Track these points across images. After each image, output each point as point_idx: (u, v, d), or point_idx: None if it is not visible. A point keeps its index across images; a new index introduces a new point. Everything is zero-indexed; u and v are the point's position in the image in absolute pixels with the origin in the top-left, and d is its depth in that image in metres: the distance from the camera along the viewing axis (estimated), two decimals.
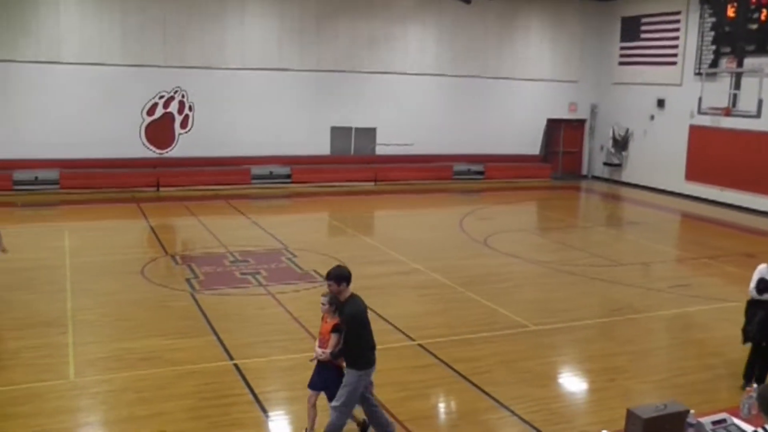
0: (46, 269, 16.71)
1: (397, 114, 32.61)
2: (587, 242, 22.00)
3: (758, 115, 26.87)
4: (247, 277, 16.61)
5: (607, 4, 34.78)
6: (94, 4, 28.60)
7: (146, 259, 18.21)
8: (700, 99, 29.34)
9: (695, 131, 30.41)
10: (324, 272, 16.21)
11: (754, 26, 27.39)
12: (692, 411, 7.08)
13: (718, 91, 28.75)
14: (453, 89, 33.52)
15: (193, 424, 9.49)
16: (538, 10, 34.66)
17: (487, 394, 10.64)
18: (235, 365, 11.42)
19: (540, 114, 35.39)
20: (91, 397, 10.48)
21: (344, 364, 8.66)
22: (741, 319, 11.20)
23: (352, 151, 32.72)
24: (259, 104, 30.68)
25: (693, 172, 30.47)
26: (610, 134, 34.65)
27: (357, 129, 32.56)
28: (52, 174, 28.05)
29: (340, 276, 8.56)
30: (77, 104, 28.58)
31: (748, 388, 7.91)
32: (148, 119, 29.93)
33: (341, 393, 8.52)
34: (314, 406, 9.06)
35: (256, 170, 30.55)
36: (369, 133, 32.83)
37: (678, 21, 31.02)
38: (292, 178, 30.87)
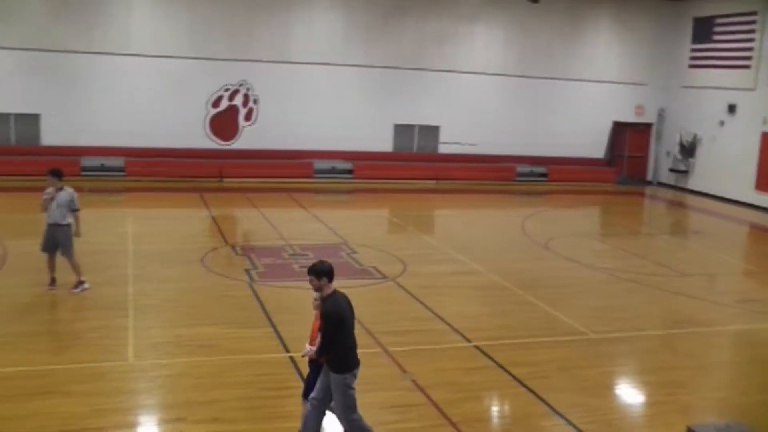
0: (109, 254, 16.95)
1: (460, 113, 32.49)
2: (650, 250, 21.56)
3: None
4: (305, 270, 16.61)
5: (679, 4, 34.09)
6: None
7: (207, 249, 18.39)
8: None
9: None
10: (383, 269, 16.49)
11: None
12: None
13: None
14: (518, 89, 33.28)
15: (247, 413, 9.54)
16: (607, 9, 34.15)
17: (542, 400, 10.45)
18: (291, 358, 11.44)
19: (606, 116, 34.91)
20: (149, 380, 10.62)
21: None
22: None
23: (415, 149, 32.68)
24: (323, 99, 30.78)
25: (764, 182, 29.59)
26: (677, 139, 33.99)
27: (420, 127, 32.51)
28: (118, 162, 28.53)
29: (320, 271, 8.42)
30: (144, 95, 29.07)
31: None
32: (213, 111, 30.26)
33: (336, 403, 8.43)
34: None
35: (318, 164, 30.67)
36: (432, 132, 32.76)
37: (753, 22, 30.06)
38: (354, 173, 30.93)
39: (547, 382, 11.11)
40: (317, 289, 8.49)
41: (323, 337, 8.25)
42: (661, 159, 35.61)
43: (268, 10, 30.04)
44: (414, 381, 10.74)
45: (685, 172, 33.86)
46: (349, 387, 8.40)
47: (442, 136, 32.79)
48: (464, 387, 10.80)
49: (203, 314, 13.53)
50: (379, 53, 31.31)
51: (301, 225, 21.87)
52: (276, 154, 30.63)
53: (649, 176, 36.00)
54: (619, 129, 35.25)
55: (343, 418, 8.51)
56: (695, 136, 33.13)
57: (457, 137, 32.64)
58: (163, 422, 9.42)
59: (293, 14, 30.40)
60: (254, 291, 14.92)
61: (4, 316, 13.10)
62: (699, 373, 12.22)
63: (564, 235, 22.34)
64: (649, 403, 11.04)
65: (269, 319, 13.26)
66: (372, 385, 10.46)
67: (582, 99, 34.33)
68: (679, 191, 33.61)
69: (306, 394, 8.87)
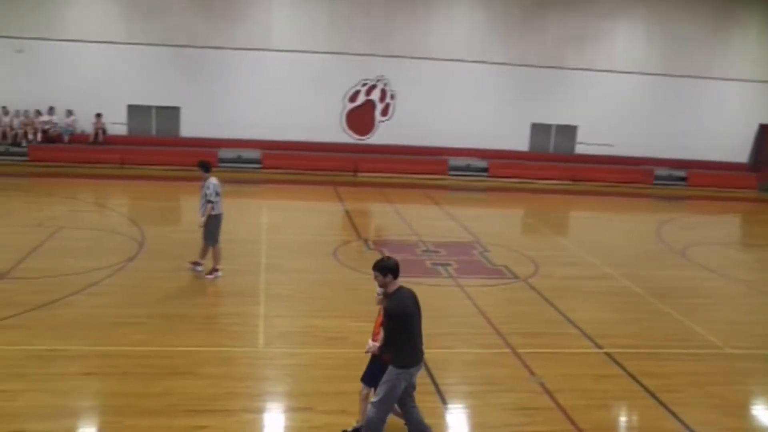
0: (244, 243, 17.40)
1: (599, 113, 31.95)
2: None
3: None
4: (438, 267, 16.72)
5: None
6: None
7: (339, 242, 18.69)
8: None
9: None
10: (515, 269, 16.41)
11: None
12: None
13: None
14: (659, 88, 32.49)
15: None
16: (758, 4, 32.71)
17: (673, 414, 10.12)
18: None
19: (751, 118, 33.59)
20: (278, 368, 10.87)
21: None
22: None
23: (551, 149, 32.31)
24: (460, 96, 30.79)
25: None
26: None
27: (557, 126, 32.13)
28: (255, 154, 29.26)
29: (384, 267, 8.32)
30: (282, 89, 29.79)
31: None
32: (350, 106, 30.68)
33: (380, 389, 8.32)
34: (365, 399, 8.90)
35: (453, 162, 30.70)
36: (569, 131, 32.35)
37: None
38: (489, 172, 30.83)
39: (679, 397, 10.74)
40: (382, 285, 8.39)
41: (385, 334, 8.20)
42: None
43: (408, 5, 30.23)
44: (542, 384, 10.63)
45: None
46: (398, 385, 8.26)
47: (580, 137, 32.33)
48: (593, 394, 10.63)
49: (333, 306, 13.76)
50: (517, 51, 31.09)
51: (434, 222, 21.94)
52: (411, 150, 30.81)
53: None
54: (766, 132, 33.82)
55: (374, 408, 8.33)
56: None
57: (595, 138, 32.12)
58: (290, 410, 9.61)
59: (433, 10, 30.49)
60: None
61: (142, 298, 13.67)
62: None
63: (702, 243, 21.67)
64: None
65: None
66: (500, 385, 10.48)
67: (726, 99, 33.13)
68: None
69: (365, 378, 8.88)
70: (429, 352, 11.46)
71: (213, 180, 15.13)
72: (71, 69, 29.52)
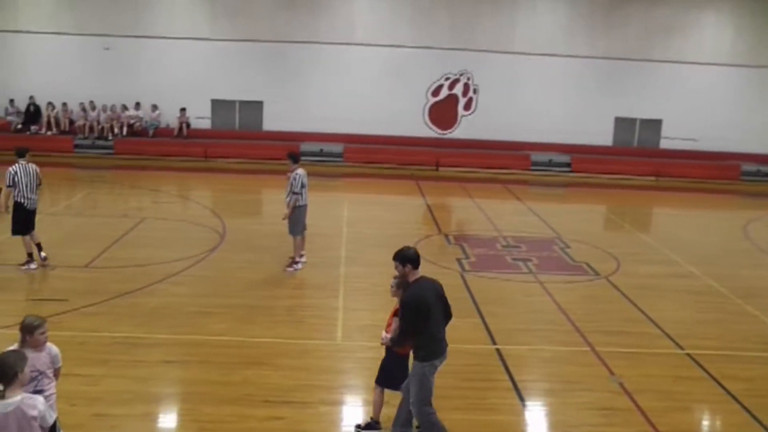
0: (325, 236, 17.47)
1: (684, 106, 31.15)
2: None
3: None
4: (518, 263, 16.56)
5: None
6: None
7: (420, 236, 18.64)
8: None
9: None
10: (596, 266, 16.16)
11: None
12: None
13: None
14: (746, 81, 31.56)
15: (450, 402, 9.54)
16: None
17: (758, 421, 9.71)
18: (498, 350, 11.40)
19: None
20: (356, 362, 10.88)
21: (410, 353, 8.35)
22: None
23: (635, 143, 31.73)
24: (543, 90, 30.48)
25: None
26: None
27: (642, 120, 31.52)
28: (337, 148, 29.38)
29: (404, 257, 8.19)
30: (365, 84, 29.91)
31: None
32: (433, 100, 30.62)
33: (412, 390, 8.14)
34: (381, 394, 8.83)
35: (535, 156, 30.40)
36: (654, 126, 31.70)
37: None
38: (572, 167, 30.41)
39: (764, 402, 10.29)
40: (402, 275, 8.26)
41: (401, 325, 8.06)
42: None
43: None
44: (621, 384, 10.41)
45: None
46: (427, 377, 8.08)
47: (664, 131, 31.66)
48: (674, 396, 10.32)
49: None
50: (602, 44, 30.58)
51: (515, 217, 21.76)
52: (493, 144, 30.62)
53: None
54: None
55: (416, 409, 8.20)
56: None
57: (680, 132, 31.42)
58: (366, 403, 9.57)
59: (518, 4, 30.24)
60: (465, 280, 15.00)
61: (222, 288, 13.87)
62: None
63: None
64: None
65: (478, 309, 13.26)
66: (579, 384, 10.31)
67: None
68: None
69: (379, 380, 8.77)
70: (507, 348, 11.47)
71: (300, 171, 15.26)
72: (157, 65, 30.19)
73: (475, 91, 30.82)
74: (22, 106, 30.46)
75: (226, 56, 30.13)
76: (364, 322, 12.47)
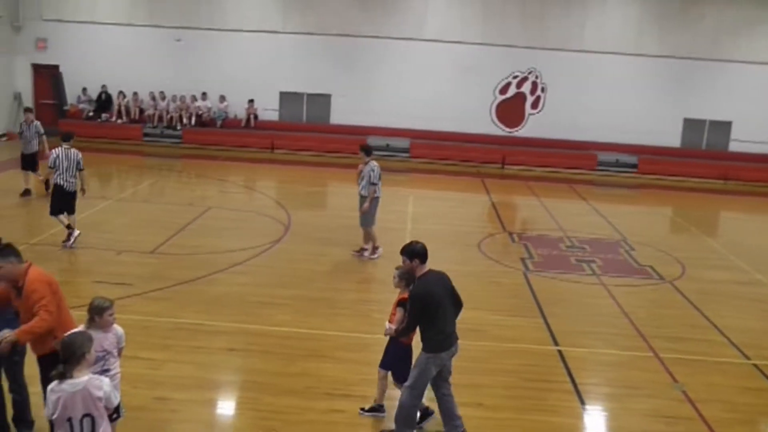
0: (389, 231, 17.33)
1: (756, 108, 30.35)
2: None
3: None
4: (582, 264, 16.38)
5: None
6: None
7: (484, 234, 18.58)
8: None
9: None
10: (661, 270, 15.92)
11: None
12: None
13: None
14: None
15: (510, 402, 9.54)
16: None
17: None
18: (559, 351, 11.30)
19: None
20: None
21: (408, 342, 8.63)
22: None
23: (704, 146, 31.13)
24: (611, 89, 30.06)
25: None
26: None
27: (711, 122, 30.90)
28: (403, 143, 29.37)
29: (411, 252, 8.31)
30: (433, 80, 29.90)
31: None
32: (500, 98, 30.48)
33: (412, 374, 8.24)
34: (383, 379, 8.94)
35: (602, 156, 30.05)
36: (723, 128, 31.04)
37: None
38: (639, 168, 29.97)
39: None
40: (409, 270, 8.36)
41: (408, 317, 8.15)
42: None
43: None
44: (684, 392, 10.21)
45: None
46: (429, 369, 8.14)
47: (734, 133, 30.99)
48: (739, 407, 10.05)
49: (474, 298, 13.54)
50: (672, 43, 29.99)
51: (580, 217, 21.52)
52: (559, 143, 30.36)
53: None
54: None
55: (406, 392, 8.27)
56: None
57: (751, 134, 30.68)
58: (426, 400, 9.47)
59: (587, 1, 29.90)
60: (528, 280, 14.89)
61: (286, 279, 13.96)
62: None
63: None
64: None
65: (540, 309, 13.17)
66: (641, 390, 10.16)
67: None
68: None
69: (383, 364, 8.91)
70: (569, 350, 11.36)
71: (374, 163, 15.56)
72: (227, 57, 30.52)
73: (542, 90, 30.58)
74: (94, 95, 31.05)
75: (296, 49, 30.33)
76: None
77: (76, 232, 15.34)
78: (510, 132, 30.77)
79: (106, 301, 7.16)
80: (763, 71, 30.26)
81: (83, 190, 15.81)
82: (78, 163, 15.60)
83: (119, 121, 30.61)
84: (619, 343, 11.89)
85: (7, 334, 6.83)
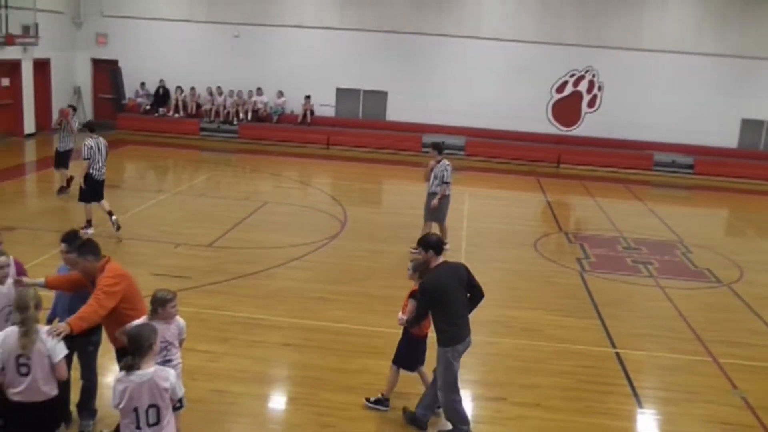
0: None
1: None
2: None
3: None
4: (638, 265, 16.22)
5: None
6: None
7: (540, 233, 18.51)
8: None
9: None
10: (718, 273, 15.73)
11: None
12: None
13: None
14: None
15: (568, 403, 9.49)
16: None
17: None
18: (617, 354, 11.21)
19: None
20: (473, 356, 10.68)
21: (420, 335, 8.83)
22: None
23: (762, 147, 30.57)
24: (669, 88, 29.66)
25: None
26: None
27: None
28: (458, 141, 29.31)
29: (426, 243, 8.46)
30: (489, 78, 29.85)
31: None
32: (557, 96, 30.29)
33: (438, 374, 8.37)
34: (396, 373, 9.02)
35: (658, 157, 29.68)
36: None
37: None
38: (695, 168, 29.52)
39: None
40: (425, 260, 8.46)
41: (417, 308, 8.25)
42: None
43: None
44: (744, 399, 10.04)
45: None
46: (451, 363, 8.19)
47: None
48: None
49: (531, 298, 13.63)
50: (731, 42, 29.40)
51: (636, 218, 21.28)
52: (615, 143, 30.06)
53: None
54: None
55: (442, 394, 8.35)
56: None
57: None
58: (483, 399, 9.58)
59: (646, 0, 29.53)
60: (584, 280, 14.80)
61: (343, 276, 14.04)
62: None
63: None
64: None
65: (597, 310, 13.08)
66: (699, 395, 10.04)
67: None
68: None
69: (396, 360, 9.00)
70: (627, 352, 11.26)
71: (447, 162, 15.66)
72: (284, 53, 30.71)
73: (599, 89, 30.31)
74: (152, 90, 31.46)
75: (353, 46, 30.43)
76: (481, 317, 12.26)
77: (114, 216, 15.72)
78: (566, 131, 30.55)
79: (169, 293, 7.32)
80: None
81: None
82: (106, 151, 16.07)
83: (176, 115, 30.96)
84: (677, 347, 11.75)
85: (61, 325, 6.91)
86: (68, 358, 6.97)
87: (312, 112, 30.66)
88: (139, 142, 29.16)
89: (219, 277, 13.48)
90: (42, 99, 29.06)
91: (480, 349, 10.94)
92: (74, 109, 19.42)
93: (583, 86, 30.23)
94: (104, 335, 7.83)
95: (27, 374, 6.54)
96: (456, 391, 8.37)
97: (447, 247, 15.68)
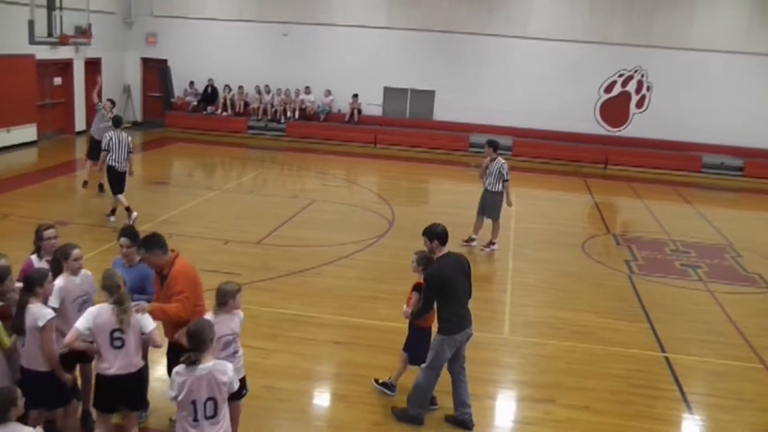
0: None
1: None
2: None
3: None
4: (687, 269, 16.07)
5: None
6: None
7: (587, 235, 18.41)
8: None
9: None
10: None
11: None
12: None
13: None
14: None
15: (617, 407, 9.44)
16: None
17: None
18: (666, 358, 11.12)
19: None
20: (522, 357, 10.87)
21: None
22: None
23: None
24: (718, 89, 29.20)
25: None
26: None
27: None
28: (506, 141, 29.09)
29: (432, 233, 8.56)
30: (537, 78, 29.74)
31: None
32: (605, 97, 30.09)
33: (428, 355, 8.50)
34: (405, 361, 9.19)
35: (707, 158, 29.32)
36: None
37: None
38: (745, 171, 29.12)
39: None
40: (430, 251, 8.62)
41: (423, 299, 8.41)
42: None
43: None
44: None
45: None
46: (444, 349, 8.34)
47: None
48: None
49: (579, 299, 13.57)
50: None
51: (684, 221, 21.07)
52: (663, 144, 29.77)
53: None
54: None
55: (421, 373, 8.60)
56: None
57: None
58: (532, 400, 9.57)
59: None
60: (633, 283, 14.69)
61: (391, 274, 14.01)
62: None
63: None
64: None
65: (646, 314, 12.98)
66: (751, 402, 9.94)
67: None
68: None
69: (406, 347, 9.19)
70: (676, 357, 11.17)
71: (502, 160, 16.01)
72: (332, 52, 30.84)
73: (648, 89, 30.04)
74: (201, 88, 31.75)
75: (401, 45, 30.47)
76: (530, 317, 12.45)
77: (134, 213, 16.16)
78: (614, 131, 30.34)
79: (236, 285, 7.56)
80: None
81: (131, 172, 16.73)
82: (128, 145, 16.43)
83: (224, 114, 31.23)
84: (728, 353, 11.61)
85: (144, 304, 7.33)
86: None
87: (359, 111, 30.76)
88: (187, 139, 29.47)
89: (268, 274, 13.62)
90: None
91: (528, 350, 11.03)
92: (113, 103, 19.75)
93: (631, 86, 29.98)
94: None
95: (121, 347, 7.02)
96: (436, 378, 8.59)
97: (495, 246, 15.88)
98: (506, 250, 16.12)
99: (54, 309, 7.19)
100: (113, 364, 7.01)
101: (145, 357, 7.69)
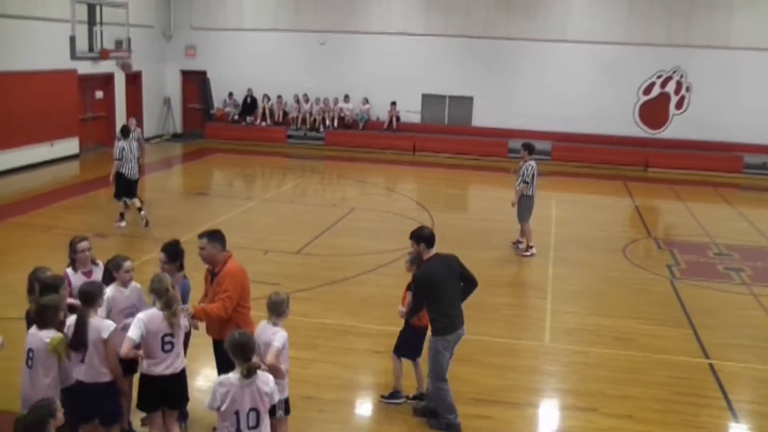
0: (534, 234, 16.98)
1: None
2: None
3: None
4: (730, 272, 15.84)
5: None
6: None
7: (628, 239, 18.24)
8: None
9: None
10: None
11: None
12: None
13: None
14: None
15: (661, 416, 9.32)
16: None
17: None
18: (710, 365, 10.96)
19: None
20: (564, 365, 10.79)
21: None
22: None
23: None
24: (759, 88, 28.78)
25: None
26: None
27: None
28: (545, 146, 29.02)
29: (419, 236, 8.66)
30: (575, 81, 29.57)
31: None
32: (644, 98, 29.85)
33: (429, 366, 8.67)
34: (398, 363, 9.29)
35: (749, 159, 28.93)
36: None
37: None
38: None
39: None
40: (417, 253, 8.70)
41: (413, 299, 8.49)
42: None
43: None
44: None
45: None
46: (440, 352, 8.42)
47: None
48: None
49: (621, 305, 13.44)
50: None
51: (727, 223, 20.80)
52: (704, 145, 29.41)
53: None
54: None
55: (431, 381, 8.69)
56: None
57: None
58: (574, 408, 9.49)
59: None
60: (675, 288, 14.51)
61: None
62: None
63: None
64: None
65: (689, 319, 12.81)
66: None
67: None
68: None
69: (396, 350, 9.28)
70: (721, 363, 11.01)
71: (532, 163, 16.03)
72: (369, 60, 30.95)
73: (687, 89, 29.74)
74: (240, 99, 31.99)
75: (438, 52, 30.48)
76: (571, 325, 12.35)
77: (144, 212, 17.15)
78: (653, 133, 30.07)
79: (285, 295, 7.66)
80: None
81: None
82: (140, 150, 17.95)
83: (263, 123, 31.44)
84: None
85: (189, 308, 7.62)
86: None
87: (398, 118, 30.80)
88: (227, 150, 29.69)
89: (308, 283, 13.66)
90: (133, 110, 29.72)
91: (569, 358, 10.94)
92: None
93: (670, 87, 29.70)
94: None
95: (171, 350, 7.30)
96: (444, 379, 8.64)
97: (534, 251, 15.76)
98: (546, 256, 16.03)
99: None
100: (166, 365, 7.26)
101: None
